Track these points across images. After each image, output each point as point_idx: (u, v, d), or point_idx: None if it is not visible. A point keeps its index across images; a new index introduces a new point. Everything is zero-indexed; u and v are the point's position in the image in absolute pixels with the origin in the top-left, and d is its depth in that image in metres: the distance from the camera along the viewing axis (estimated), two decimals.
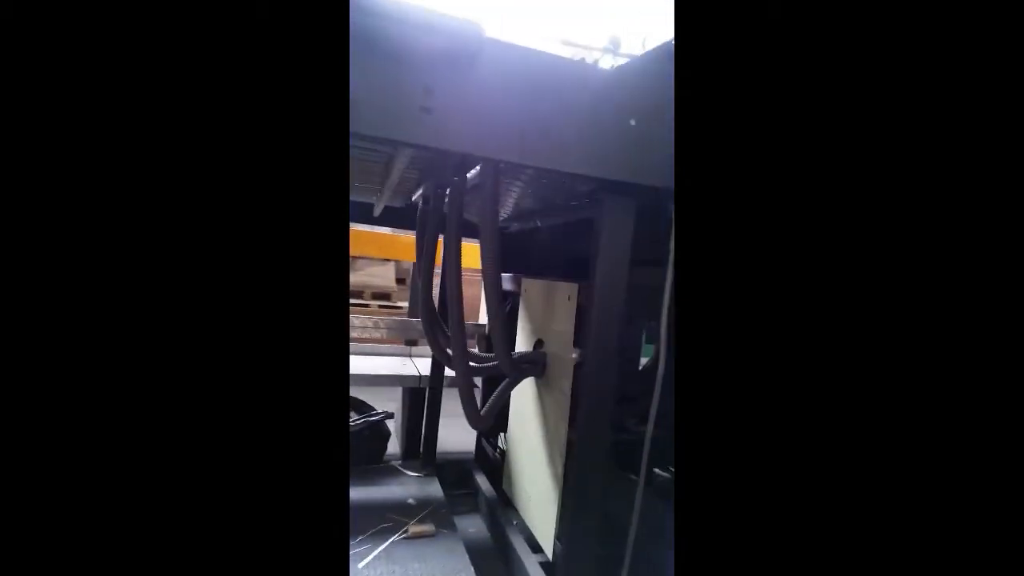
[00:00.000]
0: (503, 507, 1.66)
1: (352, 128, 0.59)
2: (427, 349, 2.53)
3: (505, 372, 1.25)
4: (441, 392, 1.95)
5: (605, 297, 0.74)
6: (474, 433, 2.21)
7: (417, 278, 1.56)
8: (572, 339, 1.37)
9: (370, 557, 1.33)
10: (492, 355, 1.40)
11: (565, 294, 1.41)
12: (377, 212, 1.71)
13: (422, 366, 2.20)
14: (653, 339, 2.47)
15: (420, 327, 2.45)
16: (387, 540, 1.42)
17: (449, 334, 1.55)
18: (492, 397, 1.37)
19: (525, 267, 1.74)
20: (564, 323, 1.39)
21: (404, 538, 1.44)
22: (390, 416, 1.99)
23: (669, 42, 0.67)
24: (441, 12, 0.58)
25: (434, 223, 1.38)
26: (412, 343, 2.52)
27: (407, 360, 2.37)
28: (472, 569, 1.33)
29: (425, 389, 2.05)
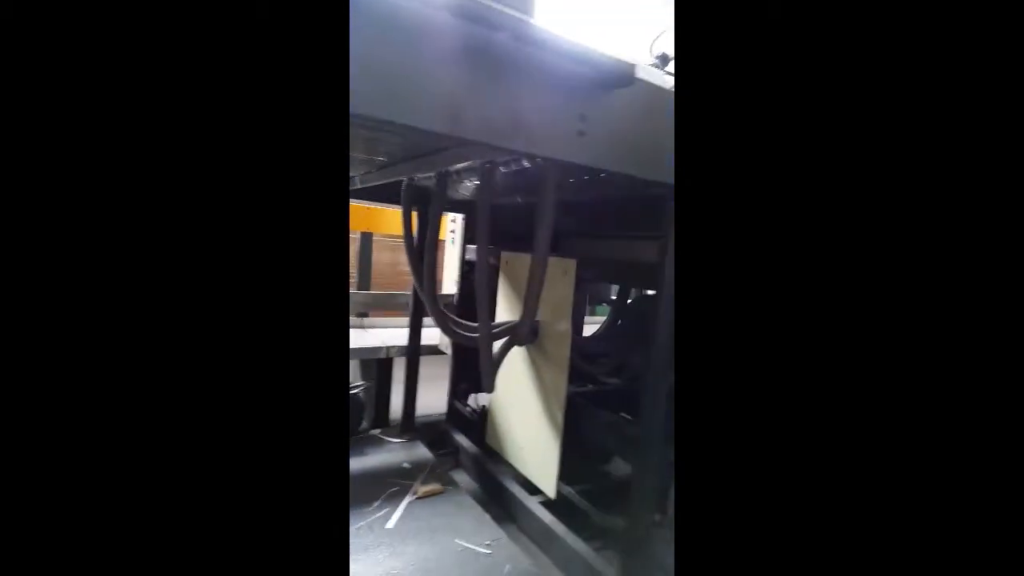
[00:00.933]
0: (491, 460, 1.83)
1: (518, 147, 0.68)
2: (378, 320, 2.56)
3: (522, 339, 1.40)
4: (418, 361, 2.02)
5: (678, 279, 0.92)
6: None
7: (417, 258, 1.60)
8: (570, 310, 1.54)
9: (395, 516, 1.43)
10: (499, 324, 1.53)
11: (560, 268, 1.56)
12: (360, 185, 1.69)
13: (382, 336, 2.24)
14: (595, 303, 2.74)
15: (381, 300, 2.47)
16: (402, 501, 1.52)
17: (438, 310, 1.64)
18: (493, 362, 1.51)
19: (501, 240, 1.85)
20: (561, 295, 1.55)
21: (416, 498, 1.56)
22: (367, 388, 2.03)
23: None
24: (598, 50, 0.69)
25: (438, 202, 1.44)
26: (363, 315, 2.52)
27: (362, 331, 2.38)
28: (488, 516, 1.50)
29: (391, 360, 2.11)
